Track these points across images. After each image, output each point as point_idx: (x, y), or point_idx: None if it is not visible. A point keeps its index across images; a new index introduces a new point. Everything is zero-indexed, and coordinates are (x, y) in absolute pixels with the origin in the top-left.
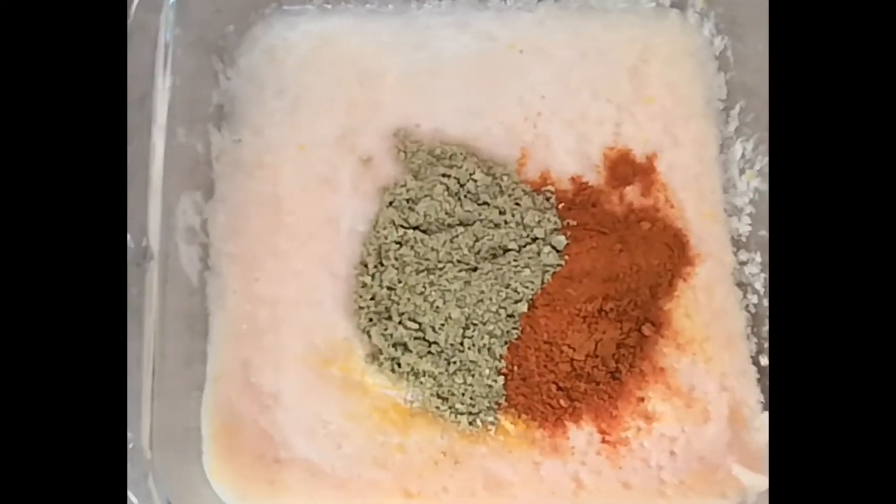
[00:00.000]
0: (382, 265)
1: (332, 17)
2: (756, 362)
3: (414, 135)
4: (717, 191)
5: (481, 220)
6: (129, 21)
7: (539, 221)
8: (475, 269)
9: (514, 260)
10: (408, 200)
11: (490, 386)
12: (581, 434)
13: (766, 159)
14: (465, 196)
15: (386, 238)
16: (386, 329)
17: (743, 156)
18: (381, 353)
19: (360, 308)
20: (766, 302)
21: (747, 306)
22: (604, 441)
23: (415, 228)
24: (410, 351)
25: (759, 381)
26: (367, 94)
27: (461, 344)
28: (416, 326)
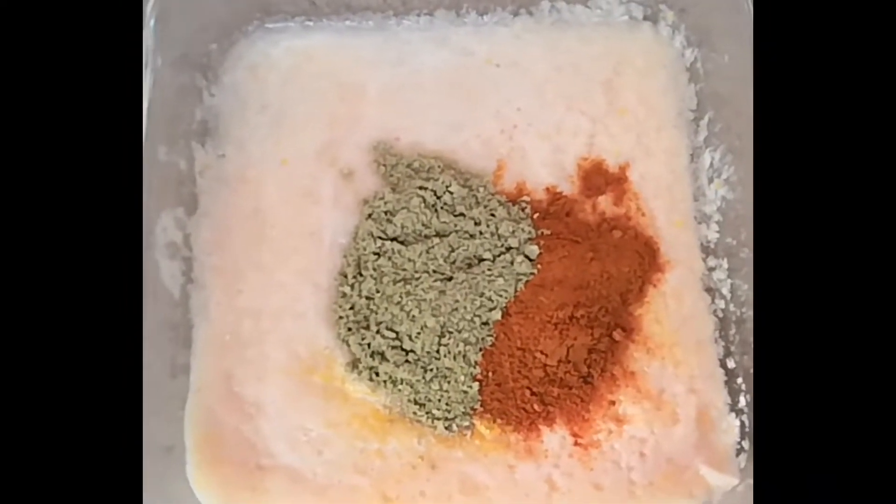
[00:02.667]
0: (361, 276)
1: (314, 34)
2: (724, 365)
3: (393, 148)
4: (687, 199)
5: (457, 231)
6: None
7: (513, 231)
8: (450, 279)
9: (489, 269)
10: (386, 213)
11: (465, 392)
12: (554, 437)
13: (734, 168)
14: (442, 208)
15: (365, 249)
16: (364, 338)
17: (712, 165)
18: (360, 362)
19: (340, 318)
20: (733, 307)
21: (715, 311)
22: (576, 444)
23: (392, 240)
24: (388, 360)
25: (726, 383)
26: (348, 108)
27: (437, 351)
28: (394, 335)
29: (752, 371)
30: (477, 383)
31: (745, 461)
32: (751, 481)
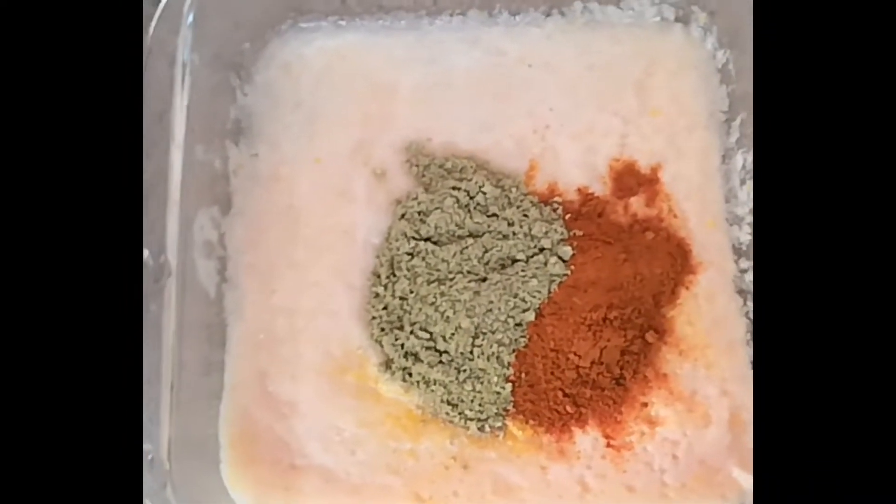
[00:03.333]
0: (395, 276)
1: (347, 33)
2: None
3: (426, 148)
4: (719, 200)
5: (490, 232)
6: (147, 40)
7: (546, 232)
8: (484, 280)
9: (522, 270)
10: (419, 213)
11: (498, 393)
12: (586, 439)
13: None
14: (475, 208)
15: (398, 250)
16: (397, 339)
17: (744, 166)
18: (393, 363)
19: (373, 318)
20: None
21: (747, 313)
22: (608, 445)
23: (426, 240)
24: (421, 360)
25: None
26: (380, 107)
27: (471, 352)
28: (427, 336)
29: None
30: (510, 384)
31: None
32: None
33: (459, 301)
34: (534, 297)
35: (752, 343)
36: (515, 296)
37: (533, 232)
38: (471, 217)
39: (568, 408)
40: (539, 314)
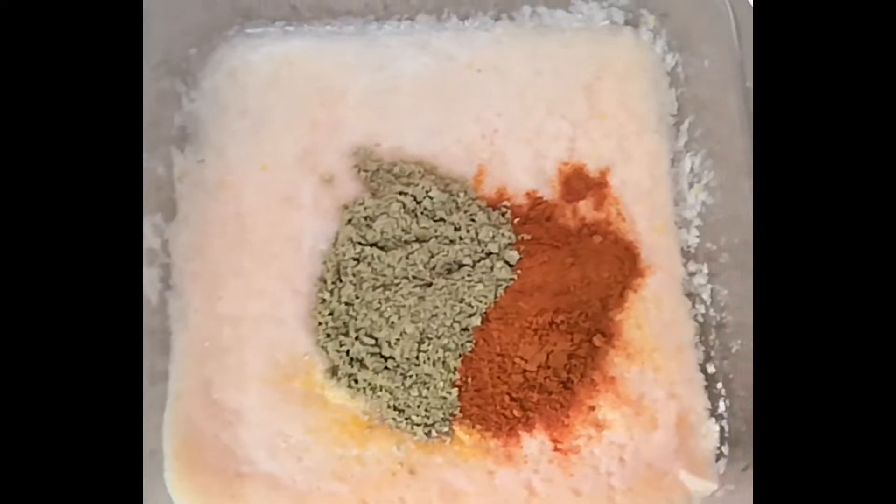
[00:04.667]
0: (341, 281)
1: (294, 39)
2: (703, 370)
3: (374, 154)
4: (667, 204)
5: (437, 237)
6: None
7: (493, 237)
8: (430, 285)
9: (468, 275)
10: (366, 218)
11: (445, 398)
12: (534, 443)
13: (714, 173)
14: (422, 213)
15: (344, 255)
16: (342, 345)
17: (692, 170)
18: (339, 369)
19: (319, 324)
20: (713, 312)
21: (696, 316)
22: (556, 449)
23: (372, 245)
24: (367, 367)
25: (706, 388)
26: (328, 113)
27: (416, 358)
28: (373, 342)
29: (732, 376)
30: (456, 389)
31: (724, 466)
32: (731, 487)
33: (405, 306)
34: (480, 301)
35: (700, 346)
36: (461, 301)
37: (480, 236)
38: (417, 222)
39: (515, 412)
40: (485, 319)
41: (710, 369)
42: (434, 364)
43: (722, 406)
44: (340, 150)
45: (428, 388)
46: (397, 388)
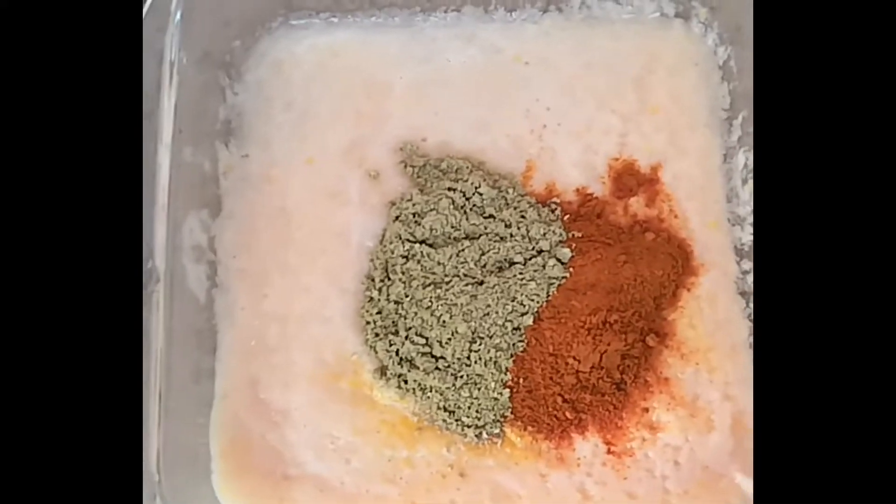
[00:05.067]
0: (389, 279)
1: (339, 31)
2: None
3: (420, 149)
4: (720, 200)
5: (487, 234)
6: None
7: (544, 234)
8: (481, 283)
9: (520, 273)
10: (414, 215)
11: (496, 399)
12: (586, 445)
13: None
14: (471, 209)
15: (392, 252)
16: (392, 344)
17: (745, 165)
18: (388, 369)
19: (367, 323)
20: None
21: (749, 315)
22: (609, 452)
23: (421, 242)
24: (417, 367)
25: None
26: (374, 106)
27: (468, 358)
28: (423, 341)
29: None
30: (508, 390)
31: None
32: None
33: (456, 305)
34: (532, 300)
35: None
36: (513, 299)
37: (531, 234)
38: (467, 219)
39: (567, 414)
40: (537, 318)
41: None
42: (486, 364)
43: None
44: (387, 145)
45: (479, 389)
46: (448, 388)
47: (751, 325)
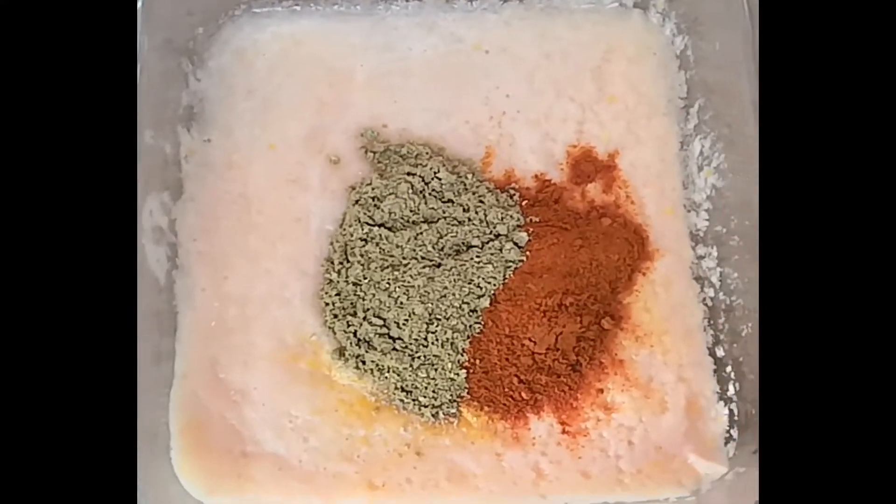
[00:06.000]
0: (348, 262)
1: (301, 19)
2: (712, 354)
3: (381, 135)
4: (676, 187)
5: (445, 218)
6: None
7: (502, 218)
8: (439, 266)
9: (477, 256)
10: (373, 198)
11: (453, 379)
12: (542, 425)
13: (724, 156)
14: (430, 194)
15: (352, 235)
16: (349, 325)
17: (701, 153)
18: (347, 350)
19: (326, 304)
20: (722, 295)
21: (704, 299)
22: (564, 432)
23: (380, 226)
24: (375, 348)
25: (715, 372)
26: (335, 94)
27: (424, 339)
28: (381, 322)
29: (741, 360)
30: (464, 371)
31: (733, 450)
32: (740, 470)
33: (413, 287)
34: (489, 283)
35: (708, 329)
36: (470, 282)
37: (489, 218)
38: (426, 203)
39: (523, 394)
40: (494, 300)
41: (720, 353)
42: (442, 345)
43: (731, 389)
44: (348, 131)
45: (436, 370)
46: (405, 369)
47: (705, 308)
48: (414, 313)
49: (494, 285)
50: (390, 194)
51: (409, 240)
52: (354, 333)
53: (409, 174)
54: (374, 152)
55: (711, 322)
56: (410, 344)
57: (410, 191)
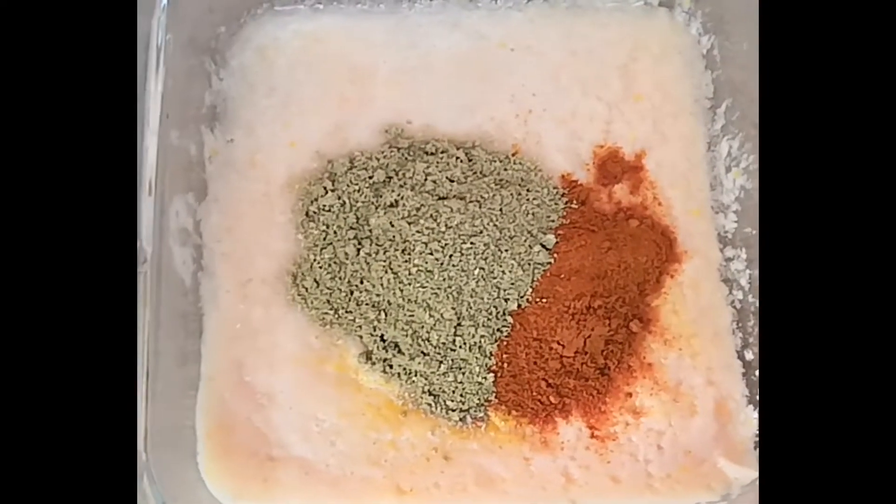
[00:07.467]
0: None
1: (324, 17)
2: (741, 357)
3: (406, 131)
4: (704, 188)
5: (472, 220)
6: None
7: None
8: (466, 270)
9: (508, 258)
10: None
11: (480, 383)
12: (570, 429)
13: (752, 157)
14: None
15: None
16: (376, 329)
17: (729, 153)
18: (373, 353)
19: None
20: (751, 298)
21: (733, 302)
22: (592, 436)
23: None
24: (402, 352)
25: (744, 375)
26: (358, 91)
27: (452, 342)
28: (408, 326)
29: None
30: (492, 374)
31: None
32: None
33: (441, 290)
34: (516, 286)
35: (737, 332)
36: (498, 285)
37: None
38: (451, 204)
39: (551, 398)
40: (521, 303)
41: (748, 356)
42: (470, 349)
43: None
44: (370, 128)
45: (463, 374)
46: (432, 372)
47: (733, 311)
48: (442, 317)
49: (522, 288)
50: (415, 197)
51: (435, 244)
52: (381, 337)
53: (433, 172)
54: (399, 148)
55: (740, 325)
56: (438, 347)
57: (435, 190)
